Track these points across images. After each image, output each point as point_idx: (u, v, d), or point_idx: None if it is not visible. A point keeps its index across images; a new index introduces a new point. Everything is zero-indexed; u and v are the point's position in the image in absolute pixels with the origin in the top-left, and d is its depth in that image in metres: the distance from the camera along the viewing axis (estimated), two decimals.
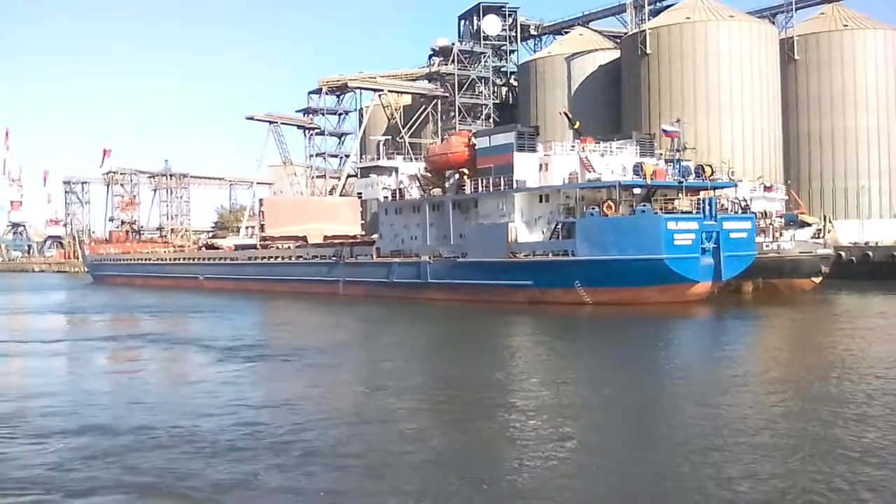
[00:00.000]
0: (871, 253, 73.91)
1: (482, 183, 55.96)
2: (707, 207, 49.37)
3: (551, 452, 16.48)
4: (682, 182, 51.24)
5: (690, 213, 49.57)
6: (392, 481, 14.53)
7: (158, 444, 17.37)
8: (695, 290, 49.46)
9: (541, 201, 54.40)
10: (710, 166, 54.69)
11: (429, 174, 63.02)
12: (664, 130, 53.89)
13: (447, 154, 59.80)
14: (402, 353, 33.69)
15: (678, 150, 52.87)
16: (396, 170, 66.43)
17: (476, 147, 57.34)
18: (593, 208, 50.31)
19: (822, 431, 17.63)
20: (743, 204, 54.46)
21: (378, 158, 69.11)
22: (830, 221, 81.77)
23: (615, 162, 53.67)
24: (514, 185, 54.06)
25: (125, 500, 13.94)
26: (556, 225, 52.00)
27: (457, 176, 59.66)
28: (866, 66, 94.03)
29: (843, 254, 74.58)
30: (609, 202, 49.55)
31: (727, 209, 53.68)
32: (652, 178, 50.92)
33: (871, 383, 23.17)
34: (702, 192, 52.45)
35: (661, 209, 49.76)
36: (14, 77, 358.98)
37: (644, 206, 49.38)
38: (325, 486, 14.37)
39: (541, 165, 54.99)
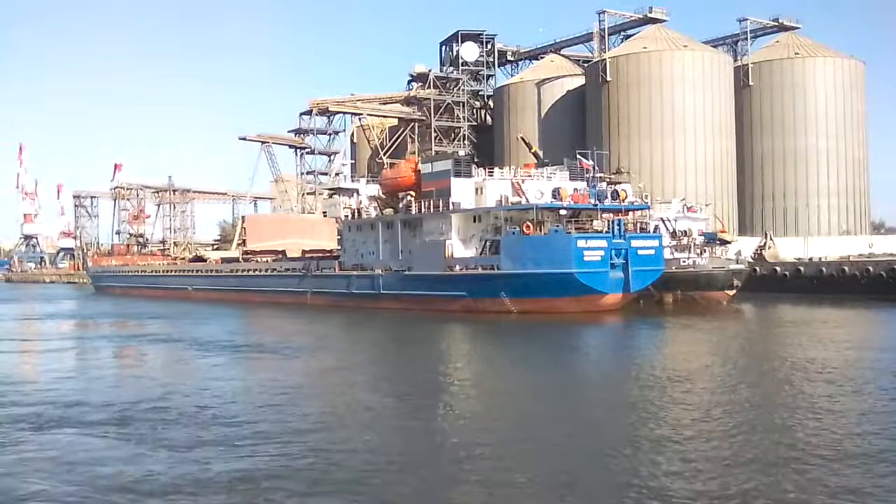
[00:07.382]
0: (802, 268, 79.57)
1: (426, 204, 62.54)
2: (616, 227, 55.66)
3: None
4: (597, 205, 57.56)
5: (601, 232, 55.86)
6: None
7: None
8: (605, 300, 55.68)
9: (475, 221, 60.86)
10: (625, 191, 60.89)
11: (384, 196, 69.67)
12: (579, 160, 60.18)
13: (397, 178, 66.52)
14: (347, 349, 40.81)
15: (595, 178, 59.16)
16: (357, 191, 73.15)
17: (421, 172, 63.96)
18: (515, 228, 56.70)
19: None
20: (654, 224, 60.61)
21: (344, 180, 75.96)
22: (771, 239, 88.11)
23: (541, 186, 59.94)
24: (451, 207, 60.56)
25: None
26: (485, 242, 58.45)
27: (408, 198, 66.25)
28: (816, 91, 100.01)
29: (777, 269, 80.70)
30: (528, 222, 55.90)
31: (645, 229, 60.18)
32: (569, 202, 57.29)
33: (734, 373, 29.63)
34: (631, 214, 59.25)
35: (577, 229, 56.12)
36: (32, 93, 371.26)
37: (557, 226, 55.71)
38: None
39: (477, 189, 61.31)
